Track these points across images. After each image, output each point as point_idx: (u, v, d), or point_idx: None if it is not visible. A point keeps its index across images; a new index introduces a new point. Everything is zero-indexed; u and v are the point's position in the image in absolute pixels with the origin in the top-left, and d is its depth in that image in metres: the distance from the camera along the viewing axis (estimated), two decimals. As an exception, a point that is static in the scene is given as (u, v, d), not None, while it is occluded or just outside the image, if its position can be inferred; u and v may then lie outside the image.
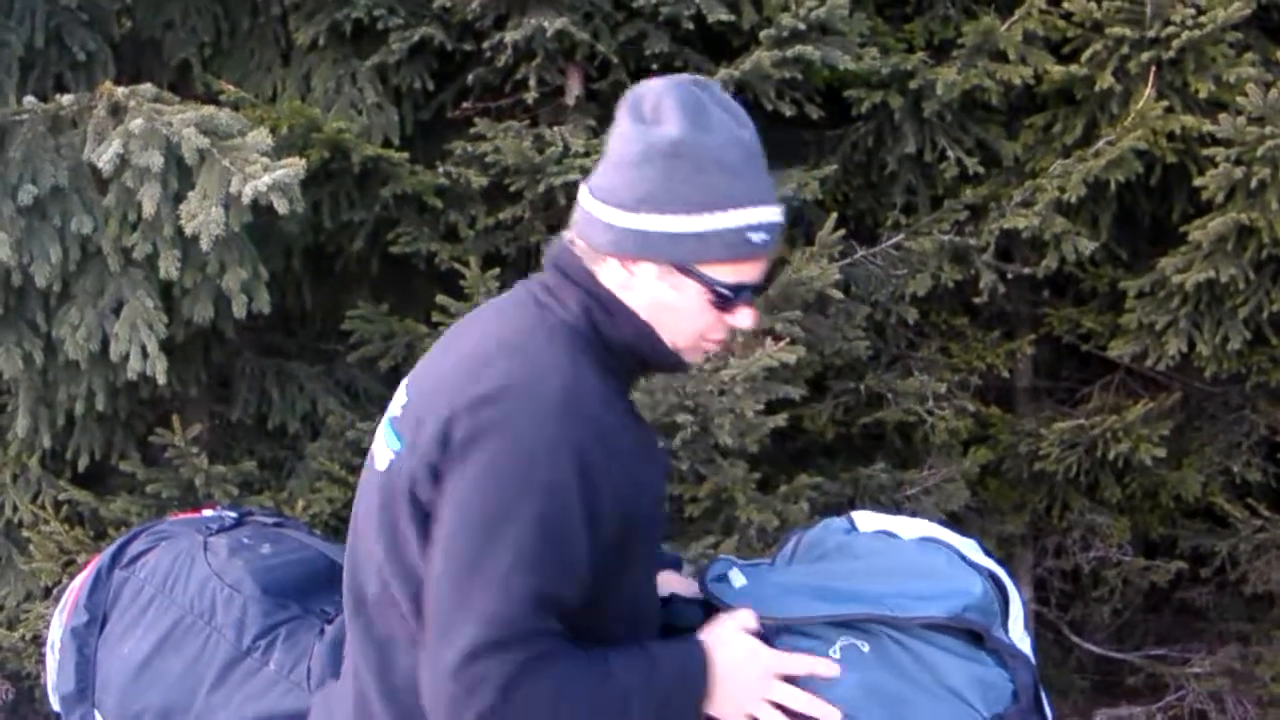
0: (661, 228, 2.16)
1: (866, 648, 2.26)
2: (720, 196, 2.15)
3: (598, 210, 2.21)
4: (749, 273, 2.24)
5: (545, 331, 2.23)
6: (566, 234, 2.34)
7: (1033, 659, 2.38)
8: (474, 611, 2.06)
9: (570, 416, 2.11)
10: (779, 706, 2.25)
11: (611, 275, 2.24)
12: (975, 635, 2.31)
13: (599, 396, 2.17)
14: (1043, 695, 2.37)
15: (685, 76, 2.25)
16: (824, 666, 2.24)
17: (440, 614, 2.10)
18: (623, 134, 2.20)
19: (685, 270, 2.19)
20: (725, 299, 2.23)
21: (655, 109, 2.17)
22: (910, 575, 2.38)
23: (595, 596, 2.16)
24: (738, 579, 2.41)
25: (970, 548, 2.50)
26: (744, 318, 2.29)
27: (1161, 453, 5.71)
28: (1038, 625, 6.47)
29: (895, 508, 5.27)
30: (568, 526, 2.08)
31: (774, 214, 2.21)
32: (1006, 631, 2.37)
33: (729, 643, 2.28)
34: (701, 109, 2.17)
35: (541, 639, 2.08)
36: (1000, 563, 2.52)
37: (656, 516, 2.32)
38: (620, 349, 2.26)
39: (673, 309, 2.24)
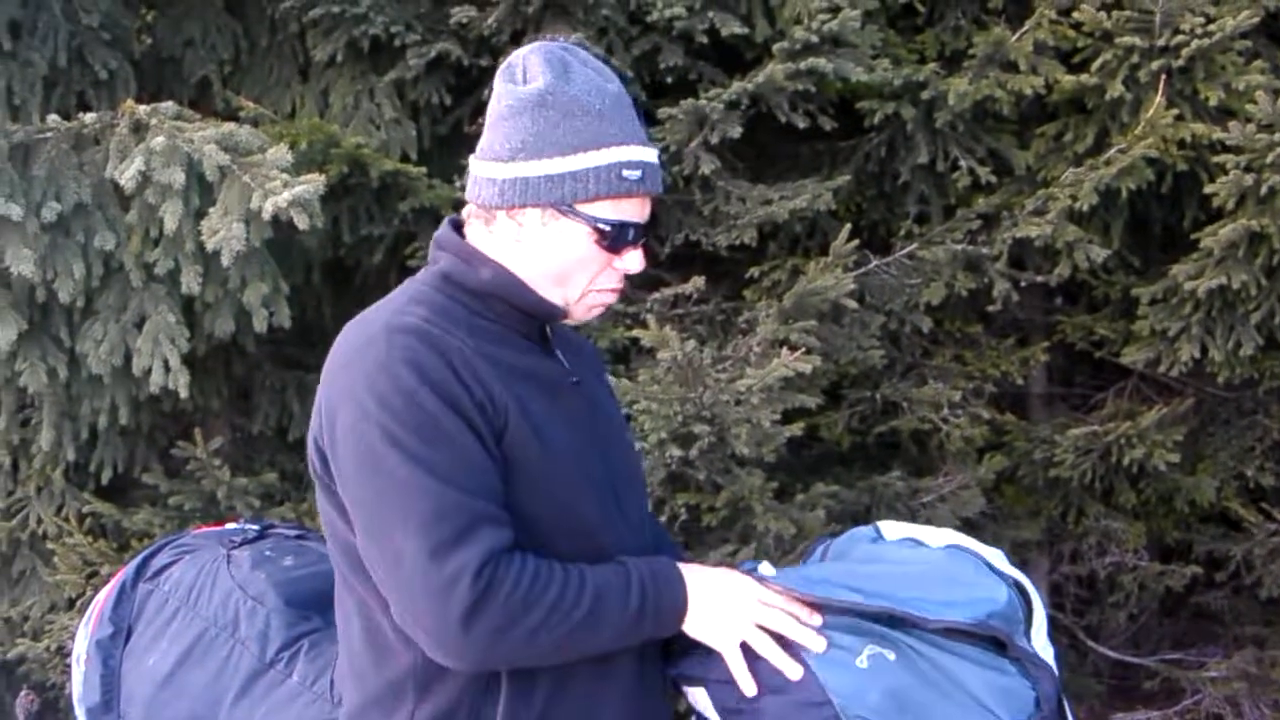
0: (538, 172, 2.29)
1: (892, 656, 2.30)
2: (589, 137, 2.29)
3: (481, 169, 2.36)
4: (630, 210, 2.37)
5: (394, 297, 2.39)
6: (448, 218, 2.51)
7: (1056, 668, 2.43)
8: (412, 529, 2.15)
9: (395, 337, 2.22)
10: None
11: (504, 232, 2.37)
12: (998, 643, 2.35)
13: (428, 322, 2.26)
14: (1066, 705, 2.41)
15: (553, 42, 2.41)
16: (803, 609, 2.34)
17: (387, 555, 2.19)
18: (497, 95, 2.35)
19: (567, 210, 2.31)
20: (609, 236, 2.34)
21: (524, 69, 2.34)
22: (936, 582, 2.41)
23: (520, 502, 2.26)
24: (768, 570, 2.46)
25: (996, 556, 2.55)
26: (633, 260, 2.42)
27: (1175, 458, 5.70)
28: (1054, 630, 6.45)
29: (911, 515, 5.29)
30: (437, 423, 2.18)
31: (646, 153, 2.35)
32: (1029, 640, 2.41)
33: (713, 570, 2.41)
34: (565, 64, 2.32)
35: (493, 525, 2.18)
36: (1019, 568, 2.57)
37: (552, 442, 2.34)
38: (482, 293, 2.37)
39: (561, 255, 2.36)
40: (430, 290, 2.37)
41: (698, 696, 2.46)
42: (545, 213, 2.32)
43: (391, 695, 2.34)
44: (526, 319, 2.41)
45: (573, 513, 2.34)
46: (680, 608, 2.33)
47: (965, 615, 2.34)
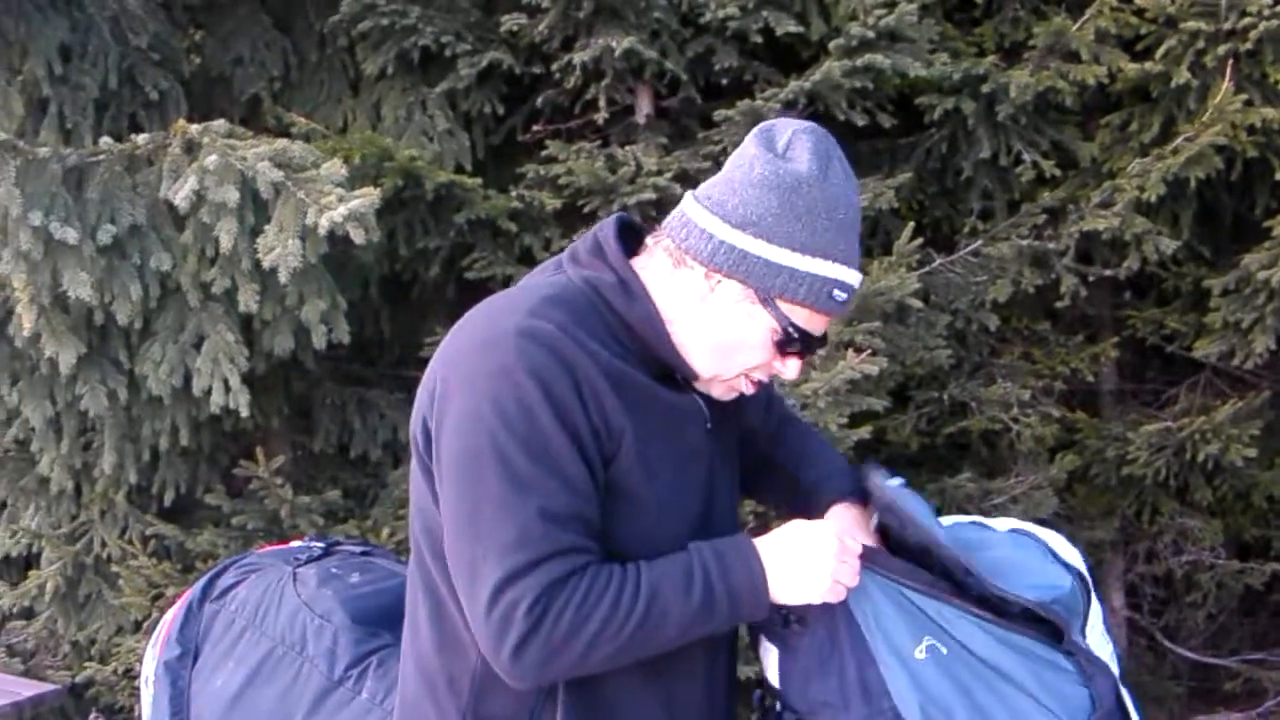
0: (761, 253, 2.21)
1: (945, 650, 2.30)
2: (823, 244, 2.21)
3: (702, 218, 2.26)
4: (817, 324, 2.30)
5: (536, 288, 2.32)
6: (613, 218, 2.41)
7: (1113, 665, 2.41)
8: (492, 548, 2.13)
9: (525, 343, 2.16)
10: None
11: (690, 283, 2.28)
12: (1054, 633, 2.34)
13: (565, 331, 2.20)
14: (1128, 700, 2.39)
15: (817, 125, 2.31)
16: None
17: (464, 565, 2.18)
18: (748, 157, 2.26)
19: (766, 300, 2.24)
20: (791, 341, 2.28)
21: (788, 145, 2.25)
22: (1005, 568, 2.39)
23: (615, 527, 2.23)
24: (896, 480, 2.49)
25: (1058, 542, 2.54)
26: (792, 368, 2.35)
27: (1252, 453, 5.61)
28: (1130, 632, 6.40)
29: (983, 517, 5.23)
30: (547, 441, 2.14)
31: (857, 279, 2.28)
32: (1084, 636, 2.39)
33: (790, 531, 2.34)
34: (828, 159, 2.24)
35: (565, 557, 2.14)
36: (1085, 558, 2.56)
37: (658, 475, 2.29)
38: (630, 327, 2.29)
39: (736, 335, 2.29)
40: (575, 291, 2.30)
41: (770, 657, 2.45)
42: (745, 290, 2.25)
43: (448, 686, 2.34)
44: (652, 356, 2.34)
45: (661, 548, 2.28)
46: (758, 583, 2.25)
47: (1031, 595, 2.33)
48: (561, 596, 2.12)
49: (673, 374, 2.36)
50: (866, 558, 2.34)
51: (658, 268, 2.32)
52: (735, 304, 2.26)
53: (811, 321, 2.28)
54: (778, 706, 2.45)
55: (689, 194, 2.34)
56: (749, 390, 2.39)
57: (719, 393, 2.38)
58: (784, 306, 2.24)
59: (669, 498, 2.30)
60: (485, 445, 2.13)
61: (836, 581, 2.27)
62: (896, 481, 2.49)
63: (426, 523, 2.32)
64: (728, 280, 2.24)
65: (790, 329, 2.26)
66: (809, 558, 2.27)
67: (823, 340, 2.36)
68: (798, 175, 2.20)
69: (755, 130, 2.30)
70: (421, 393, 2.31)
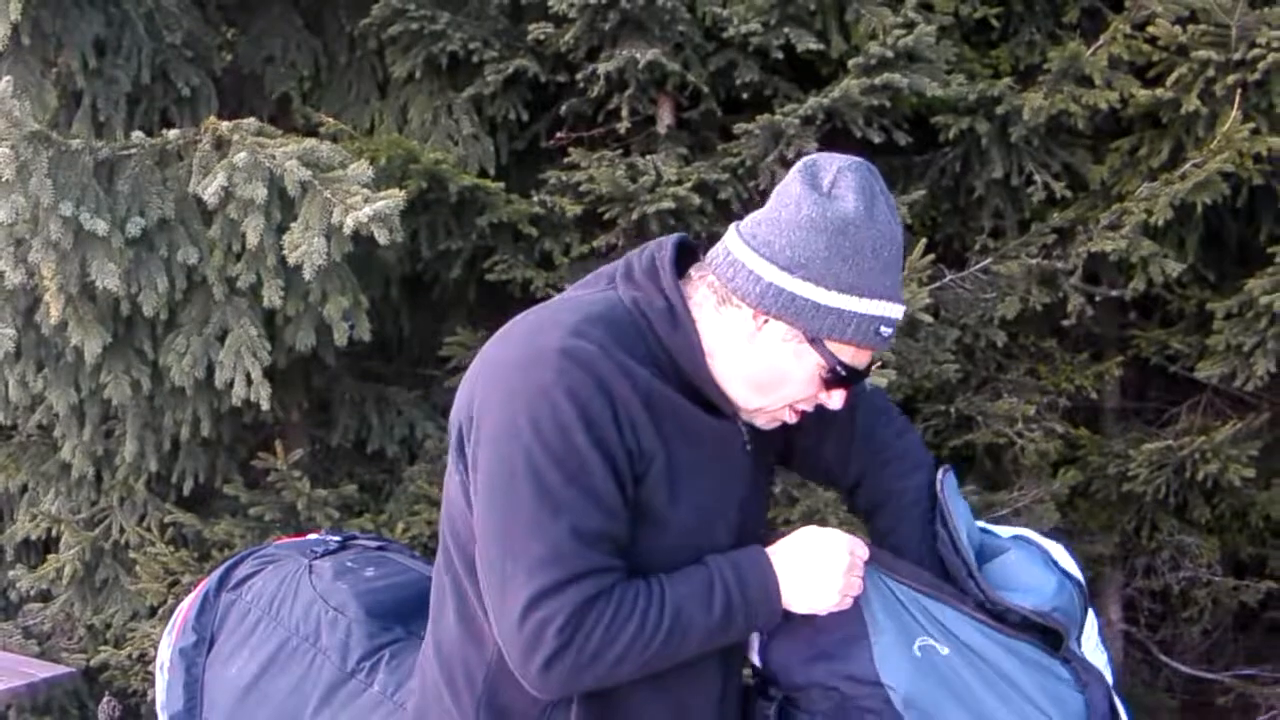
0: (810, 296, 2.23)
1: (946, 650, 2.35)
2: (869, 283, 2.23)
3: (749, 259, 2.27)
4: (862, 359, 2.33)
5: (582, 303, 2.33)
6: (671, 238, 2.42)
7: (1107, 675, 2.46)
8: (523, 564, 2.17)
9: (565, 363, 2.19)
10: None
11: (735, 322, 2.31)
12: (1050, 641, 2.40)
13: (605, 352, 2.22)
14: (1120, 709, 2.45)
15: (860, 159, 2.32)
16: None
17: (495, 576, 2.22)
18: (794, 196, 2.26)
19: (814, 341, 2.27)
20: (837, 377, 2.31)
21: (834, 183, 2.25)
22: (1005, 575, 2.45)
23: (636, 545, 2.27)
24: (953, 480, 2.58)
25: (1058, 551, 2.60)
26: (837, 399, 2.37)
27: (1250, 473, 5.66)
28: (1127, 645, 6.44)
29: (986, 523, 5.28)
30: (582, 461, 2.17)
31: (901, 312, 2.30)
32: (1079, 645, 2.45)
33: (802, 540, 2.39)
34: (874, 197, 2.26)
35: (595, 576, 2.19)
36: (1081, 569, 2.61)
37: (683, 499, 2.32)
38: (671, 355, 2.31)
39: (783, 372, 2.32)
40: (620, 309, 2.32)
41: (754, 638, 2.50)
42: (793, 330, 2.27)
43: (465, 677, 2.39)
44: (690, 384, 2.35)
45: (680, 568, 2.32)
46: (773, 594, 2.32)
47: (1030, 603, 2.38)
48: (591, 616, 2.16)
49: (708, 401, 2.37)
50: (872, 559, 2.39)
51: (702, 301, 2.34)
52: (782, 343, 2.28)
53: (858, 357, 2.31)
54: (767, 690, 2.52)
55: (733, 229, 2.34)
56: (791, 419, 2.42)
57: (762, 423, 2.41)
58: (831, 345, 2.27)
59: (694, 521, 2.33)
60: (520, 461, 2.17)
61: (844, 595, 2.33)
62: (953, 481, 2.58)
63: (455, 520, 2.37)
64: (775, 321, 2.26)
65: (838, 367, 2.29)
66: (820, 570, 2.33)
67: (867, 371, 2.37)
68: (844, 216, 2.21)
69: (799, 166, 2.31)
70: (462, 393, 2.34)
